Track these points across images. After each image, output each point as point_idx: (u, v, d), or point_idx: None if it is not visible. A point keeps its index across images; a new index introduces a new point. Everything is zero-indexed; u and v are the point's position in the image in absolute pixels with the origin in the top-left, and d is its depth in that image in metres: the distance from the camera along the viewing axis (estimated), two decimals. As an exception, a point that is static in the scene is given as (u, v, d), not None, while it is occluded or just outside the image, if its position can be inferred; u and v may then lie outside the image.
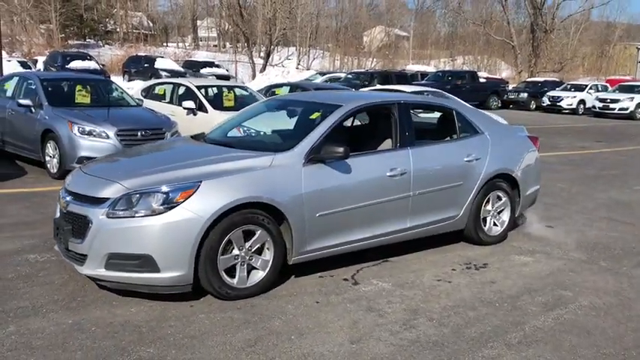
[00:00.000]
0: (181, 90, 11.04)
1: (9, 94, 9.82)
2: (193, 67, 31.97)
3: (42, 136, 8.72)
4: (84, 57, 27.51)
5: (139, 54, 34.95)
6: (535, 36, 42.89)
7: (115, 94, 10.09)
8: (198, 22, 63.51)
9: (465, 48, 66.31)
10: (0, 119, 9.68)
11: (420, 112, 7.20)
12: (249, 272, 4.29)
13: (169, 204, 3.94)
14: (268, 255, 4.34)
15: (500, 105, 29.82)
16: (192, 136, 5.45)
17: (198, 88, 10.66)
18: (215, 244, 4.04)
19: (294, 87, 12.55)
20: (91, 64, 26.32)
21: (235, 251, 4.19)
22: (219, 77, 29.73)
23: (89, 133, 8.30)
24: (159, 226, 3.91)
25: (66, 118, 8.44)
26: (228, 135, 5.50)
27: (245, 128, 6.85)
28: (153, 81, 11.87)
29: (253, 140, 5.59)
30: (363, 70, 32.57)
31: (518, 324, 4.00)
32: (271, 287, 4.41)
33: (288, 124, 5.71)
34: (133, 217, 3.95)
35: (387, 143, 5.32)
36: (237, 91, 11.57)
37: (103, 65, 28.28)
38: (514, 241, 6.05)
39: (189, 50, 53.59)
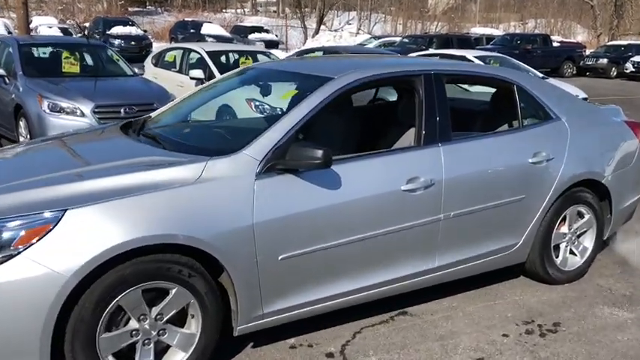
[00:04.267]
0: (192, 57, 9.43)
1: (-12, 62, 8.51)
2: (241, 33, 30.35)
3: (15, 113, 7.35)
4: (125, 22, 26.36)
5: (186, 19, 33.60)
6: (618, -6, 38.70)
7: (109, 62, 8.60)
8: (257, -13, 61.76)
9: (537, 10, 61.68)
10: (-20, 92, 8.41)
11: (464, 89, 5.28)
12: (159, 356, 2.65)
13: (2, 252, 2.32)
14: (194, 326, 2.68)
15: (575, 72, 26.73)
16: (124, 125, 3.74)
17: (210, 54, 9.01)
18: (90, 317, 2.41)
19: (327, 52, 10.72)
20: (132, 30, 25.10)
21: (133, 323, 2.55)
22: (268, 43, 28.12)
23: (60, 110, 6.82)
24: (-17, 291, 2.30)
25: (37, 92, 7.00)
26: (177, 122, 3.81)
27: (257, 103, 5.17)
28: (164, 46, 10.35)
29: (200, 134, 3.78)
30: (420, 34, 30.09)
31: None
32: (201, 375, 2.76)
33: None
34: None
35: (408, 137, 3.49)
36: (260, 57, 9.84)
37: (145, 31, 27.01)
38: (600, 278, 4.14)
39: (248, 16, 51.99)
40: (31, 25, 27.21)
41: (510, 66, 12.16)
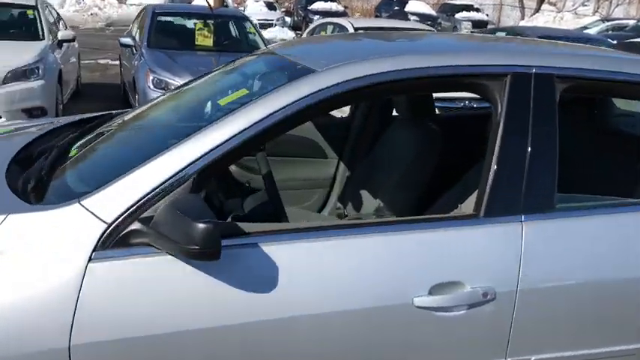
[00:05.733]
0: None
1: (134, 31, 8.25)
2: (448, 11, 28.23)
3: (134, 84, 6.90)
4: (327, -3, 26.05)
5: (393, -5, 32.40)
6: None
7: (246, 35, 7.78)
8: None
9: None
10: (123, 63, 8.24)
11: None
12: None
13: None
14: None
15: None
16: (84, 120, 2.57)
17: (358, 30, 7.70)
18: None
19: (511, 33, 8.67)
20: (332, 6, 24.67)
21: None
22: (476, 23, 25.81)
23: (164, 87, 6.12)
24: None
25: (148, 65, 6.40)
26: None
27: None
28: (319, 21, 9.28)
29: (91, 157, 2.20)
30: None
31: None
32: None
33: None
34: None
35: (455, 197, 1.85)
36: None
37: (345, 7, 26.49)
38: None
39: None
40: (246, -3, 28.40)
41: None
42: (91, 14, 21.62)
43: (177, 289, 1.45)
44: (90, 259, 1.43)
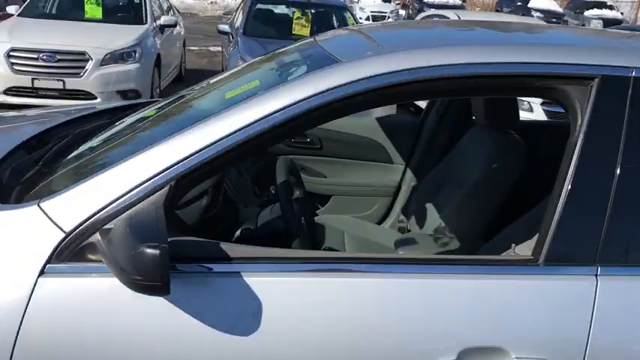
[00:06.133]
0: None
1: (236, 18, 8.24)
2: (577, 8, 26.24)
3: (228, 75, 6.86)
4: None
5: (517, -10, 30.67)
6: None
7: (344, 26, 7.48)
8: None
9: None
10: (223, 51, 8.26)
11: None
12: None
13: None
14: None
15: None
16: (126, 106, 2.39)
17: (464, 24, 7.16)
18: None
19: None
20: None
21: None
22: (607, 21, 23.79)
23: (253, 76, 5.99)
24: None
25: (240, 53, 6.30)
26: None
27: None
28: (424, 13, 8.77)
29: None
30: None
31: None
32: None
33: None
34: None
35: (513, 236, 1.43)
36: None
37: (463, 1, 25.43)
38: None
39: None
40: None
41: None
42: (211, 2, 22.35)
43: (133, 319, 1.19)
44: (42, 273, 1.20)
